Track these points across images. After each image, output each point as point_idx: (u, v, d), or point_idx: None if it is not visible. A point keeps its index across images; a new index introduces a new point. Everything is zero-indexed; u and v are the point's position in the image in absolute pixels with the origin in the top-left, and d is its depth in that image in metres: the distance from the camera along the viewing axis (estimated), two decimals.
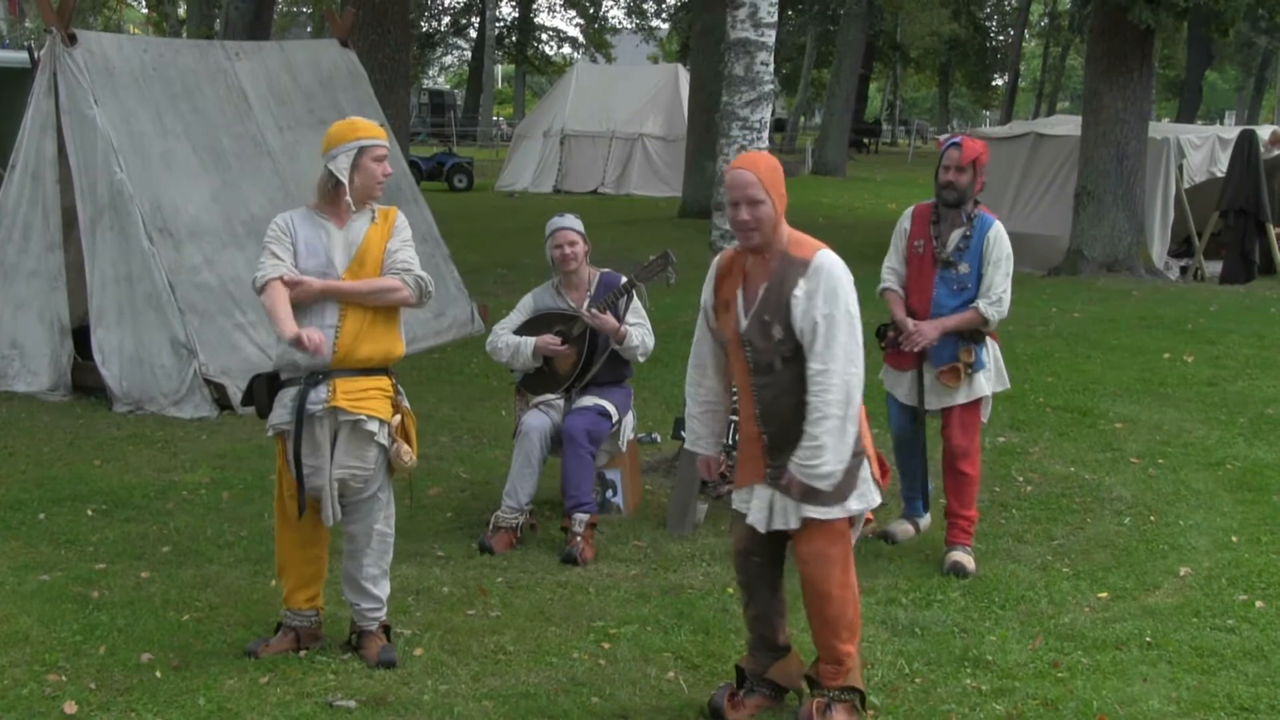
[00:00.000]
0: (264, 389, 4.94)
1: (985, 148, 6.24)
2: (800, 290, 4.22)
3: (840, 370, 4.16)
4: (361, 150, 4.86)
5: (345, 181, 4.85)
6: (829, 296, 4.19)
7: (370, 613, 5.08)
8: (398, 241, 4.95)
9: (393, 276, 4.88)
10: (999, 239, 6.09)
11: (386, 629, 5.15)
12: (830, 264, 4.24)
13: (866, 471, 4.38)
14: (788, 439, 4.31)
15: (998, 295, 6.05)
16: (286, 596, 5.13)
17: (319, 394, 4.83)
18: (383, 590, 5.10)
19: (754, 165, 4.29)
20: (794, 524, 4.34)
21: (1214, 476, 7.65)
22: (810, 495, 4.26)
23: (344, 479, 4.90)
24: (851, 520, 4.40)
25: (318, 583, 5.15)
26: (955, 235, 6.11)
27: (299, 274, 4.81)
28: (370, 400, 4.87)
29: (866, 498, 4.38)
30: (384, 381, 4.94)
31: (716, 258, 4.59)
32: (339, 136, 4.88)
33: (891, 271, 6.36)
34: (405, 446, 4.97)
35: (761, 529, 4.40)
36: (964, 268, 6.08)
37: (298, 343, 4.65)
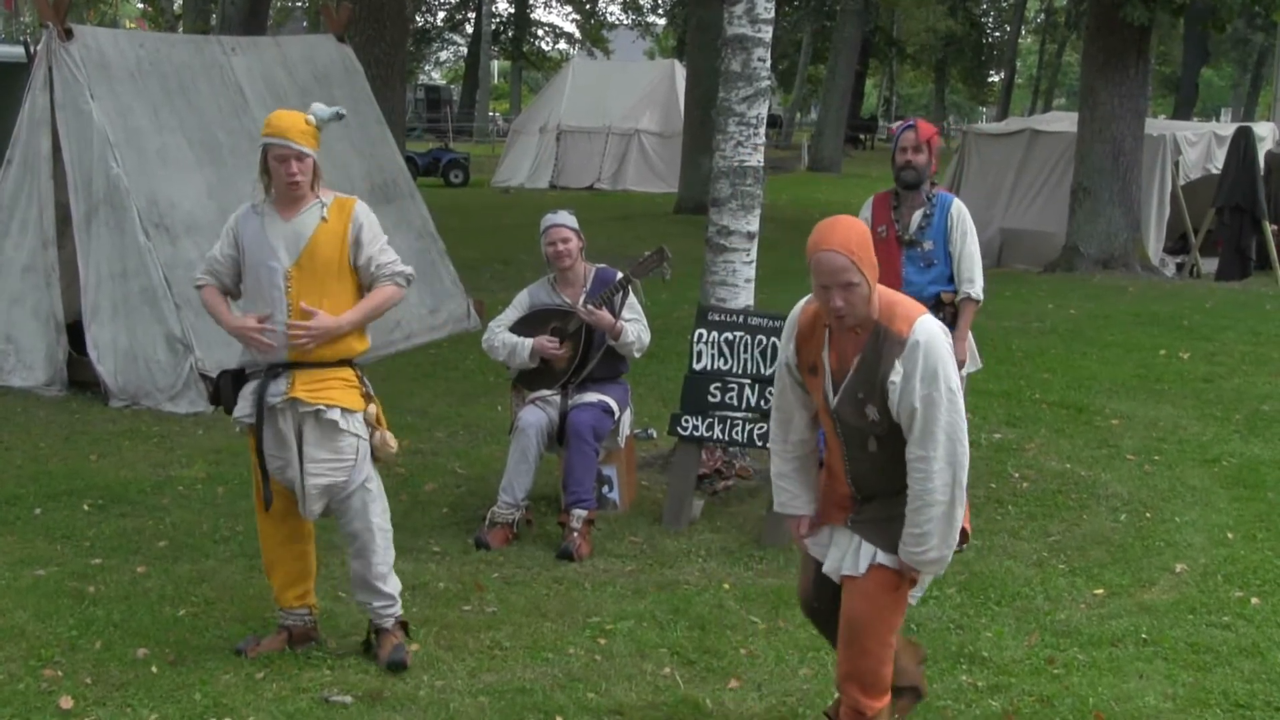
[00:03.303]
0: (229, 384, 4.94)
1: (937, 130, 6.54)
2: (897, 375, 3.82)
3: (943, 455, 3.80)
4: (264, 150, 4.80)
5: (260, 181, 4.86)
6: (927, 377, 3.79)
7: (385, 610, 5.01)
8: (373, 247, 4.85)
9: (388, 285, 4.87)
10: (962, 213, 6.39)
11: (405, 625, 5.09)
12: (929, 339, 3.83)
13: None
14: (879, 497, 4.04)
15: (975, 274, 6.37)
16: (276, 595, 5.11)
17: (278, 386, 4.80)
18: (393, 586, 5.02)
19: (845, 245, 3.79)
20: (862, 568, 4.02)
21: (1210, 473, 7.66)
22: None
23: (326, 481, 4.81)
24: (913, 579, 4.04)
25: (306, 580, 5.10)
26: (916, 215, 6.40)
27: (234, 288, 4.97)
28: (331, 390, 4.80)
29: None
30: (346, 373, 4.87)
31: (796, 313, 4.14)
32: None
33: None
34: (388, 433, 4.90)
35: (834, 574, 4.11)
36: (928, 244, 6.36)
37: (237, 333, 4.83)
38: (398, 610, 5.06)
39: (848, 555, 4.06)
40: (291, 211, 4.84)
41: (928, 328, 3.86)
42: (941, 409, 3.79)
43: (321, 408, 4.78)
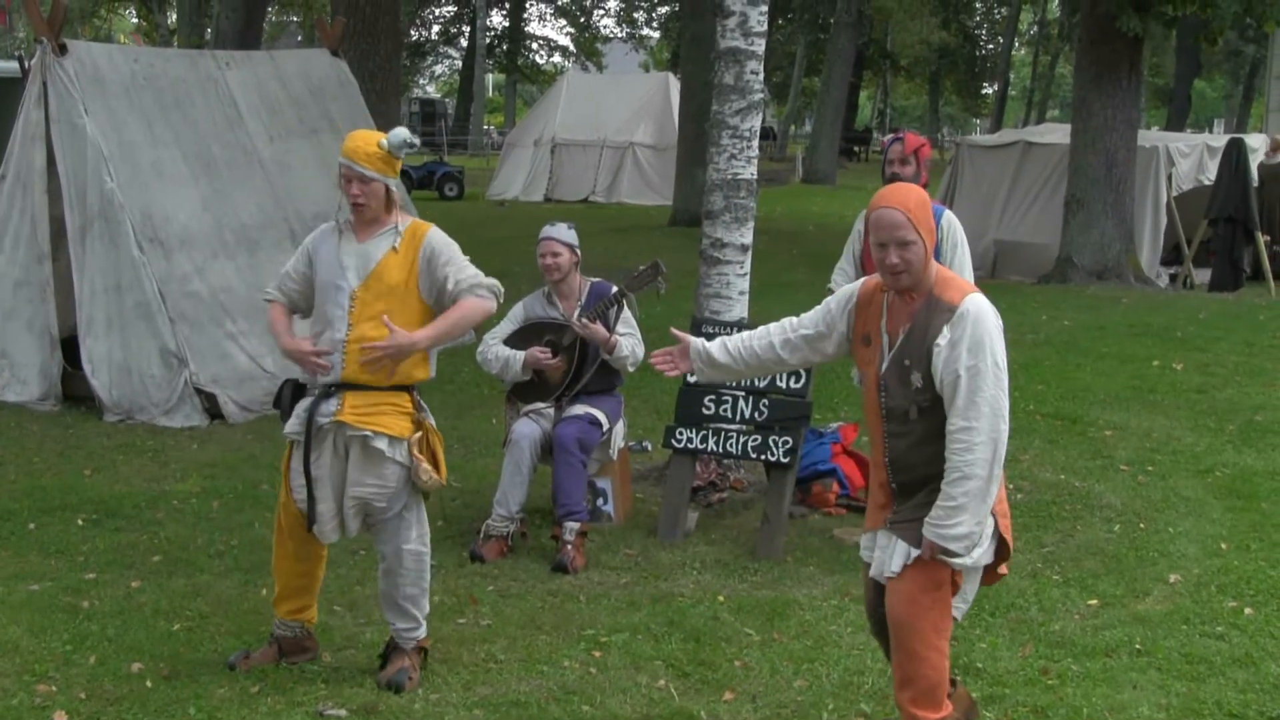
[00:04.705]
0: (290, 395, 4.92)
1: (927, 142, 6.50)
2: (943, 339, 3.86)
3: (986, 428, 3.81)
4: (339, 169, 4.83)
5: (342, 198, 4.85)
6: (974, 347, 3.82)
7: (407, 633, 4.96)
8: (450, 266, 4.76)
9: (468, 298, 4.76)
10: (952, 225, 6.30)
11: (424, 650, 5.03)
12: (978, 311, 3.87)
13: (989, 528, 3.96)
14: (918, 487, 4.02)
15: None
16: (274, 601, 5.10)
17: (329, 407, 4.78)
18: (421, 610, 4.97)
19: (903, 202, 3.89)
20: (897, 567, 3.98)
21: (1203, 483, 7.67)
22: (944, 555, 3.89)
23: (364, 498, 4.78)
24: (955, 581, 3.98)
25: (305, 596, 5.07)
26: None
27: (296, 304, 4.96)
28: (381, 416, 4.74)
29: (979, 553, 3.95)
30: (400, 398, 4.80)
31: (859, 284, 4.21)
32: None
33: (841, 272, 6.64)
34: (425, 465, 4.78)
35: (879, 577, 4.09)
36: None
37: (292, 356, 4.82)
38: (421, 634, 5.00)
39: (886, 557, 4.05)
40: (366, 233, 4.83)
41: (979, 301, 3.92)
42: (987, 381, 3.83)
43: (369, 434, 4.73)
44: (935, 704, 4.04)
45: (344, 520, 4.85)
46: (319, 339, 4.82)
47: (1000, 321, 3.95)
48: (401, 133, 4.80)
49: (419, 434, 4.82)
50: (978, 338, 3.84)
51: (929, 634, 3.97)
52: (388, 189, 4.80)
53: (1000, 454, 3.86)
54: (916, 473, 4.01)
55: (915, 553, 3.95)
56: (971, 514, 3.84)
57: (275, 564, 5.09)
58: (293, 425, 4.86)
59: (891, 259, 3.88)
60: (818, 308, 4.32)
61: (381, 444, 4.73)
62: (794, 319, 4.35)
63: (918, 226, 3.87)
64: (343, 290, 4.78)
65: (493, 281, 4.86)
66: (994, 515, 3.95)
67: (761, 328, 4.41)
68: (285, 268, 5.05)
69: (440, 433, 4.96)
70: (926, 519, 3.90)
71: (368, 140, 4.78)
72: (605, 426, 6.62)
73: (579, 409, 6.57)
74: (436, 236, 4.85)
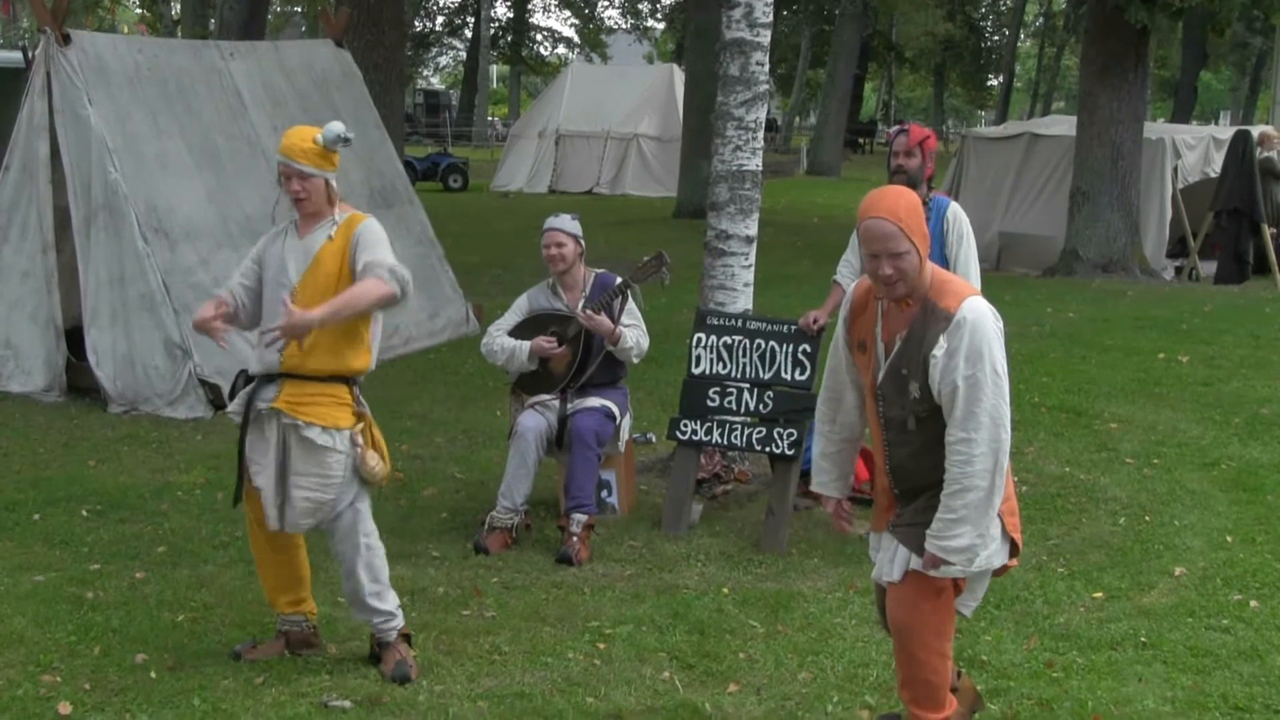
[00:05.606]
0: (242, 384, 4.95)
1: (933, 134, 6.44)
2: (940, 349, 3.74)
3: (986, 439, 3.70)
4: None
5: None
6: (972, 356, 3.69)
7: (384, 624, 4.96)
8: (367, 251, 4.71)
9: (368, 278, 4.64)
10: (958, 217, 6.26)
11: (408, 637, 5.04)
12: (977, 318, 3.73)
13: (996, 529, 3.86)
14: (920, 493, 3.95)
15: (970, 278, 6.16)
16: (269, 600, 5.09)
17: (268, 393, 4.78)
18: (388, 602, 4.96)
19: (893, 212, 3.73)
20: (897, 575, 3.95)
21: (1209, 477, 7.65)
22: (945, 567, 3.82)
23: (311, 494, 4.72)
24: (958, 585, 3.94)
25: (297, 587, 5.06)
26: None
27: (235, 297, 4.92)
28: (316, 406, 4.72)
29: (985, 559, 3.85)
30: (338, 389, 4.77)
31: (851, 289, 4.11)
32: None
33: (846, 264, 6.63)
34: (371, 453, 4.78)
35: (879, 580, 4.07)
36: None
37: (199, 326, 4.82)
38: (399, 623, 5.00)
39: (887, 562, 4.01)
40: (307, 228, 4.86)
41: (977, 307, 3.78)
42: (986, 391, 3.71)
43: (300, 423, 4.72)
44: (937, 704, 4.03)
45: (292, 515, 4.78)
46: (267, 335, 4.76)
47: (1000, 324, 3.84)
48: (336, 127, 4.79)
49: (359, 424, 4.81)
50: (975, 346, 3.72)
51: (929, 638, 3.95)
52: (327, 183, 4.81)
53: (1003, 463, 3.77)
54: (917, 480, 3.95)
55: (915, 559, 3.91)
56: (973, 526, 3.76)
57: (256, 558, 5.09)
58: (233, 407, 4.90)
59: (885, 270, 3.76)
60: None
61: (313, 434, 4.72)
62: (825, 395, 4.27)
63: (910, 235, 3.73)
64: (284, 287, 4.77)
65: (398, 266, 4.73)
66: (1000, 516, 3.87)
67: (822, 431, 4.32)
68: (239, 268, 5.04)
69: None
70: (928, 531, 3.84)
71: (303, 136, 4.78)
72: (617, 419, 6.62)
73: (593, 401, 6.56)
74: (369, 225, 4.84)
